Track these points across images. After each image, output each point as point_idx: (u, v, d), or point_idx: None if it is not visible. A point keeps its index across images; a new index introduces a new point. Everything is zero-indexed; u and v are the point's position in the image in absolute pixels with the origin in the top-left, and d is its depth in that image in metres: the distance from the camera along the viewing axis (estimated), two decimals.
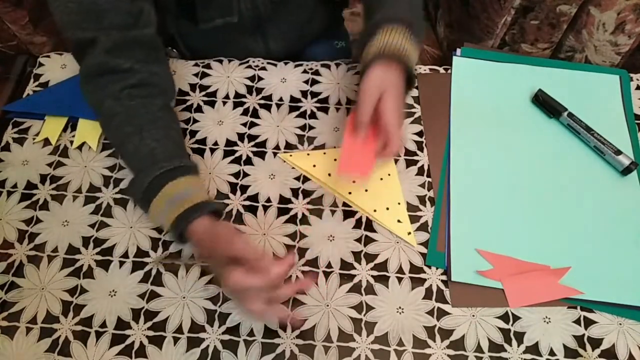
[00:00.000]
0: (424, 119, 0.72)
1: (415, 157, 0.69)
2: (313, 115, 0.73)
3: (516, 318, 0.58)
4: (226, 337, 0.57)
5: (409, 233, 0.63)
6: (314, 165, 0.68)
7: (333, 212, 0.65)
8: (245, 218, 0.65)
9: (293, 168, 0.68)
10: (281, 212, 0.65)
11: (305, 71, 0.77)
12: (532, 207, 0.65)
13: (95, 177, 0.68)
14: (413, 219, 0.64)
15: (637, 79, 0.76)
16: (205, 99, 0.75)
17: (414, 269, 0.61)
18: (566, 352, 0.56)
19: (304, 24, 0.82)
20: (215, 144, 0.71)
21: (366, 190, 0.66)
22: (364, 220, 0.65)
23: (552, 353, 0.56)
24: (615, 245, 0.62)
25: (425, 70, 0.77)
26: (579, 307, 0.59)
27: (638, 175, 0.67)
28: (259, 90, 0.75)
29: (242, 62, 0.77)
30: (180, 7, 0.71)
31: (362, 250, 0.62)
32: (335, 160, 0.68)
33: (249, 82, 0.76)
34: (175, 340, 0.57)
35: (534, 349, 0.56)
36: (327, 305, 0.59)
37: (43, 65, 0.78)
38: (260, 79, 0.76)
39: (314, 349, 0.57)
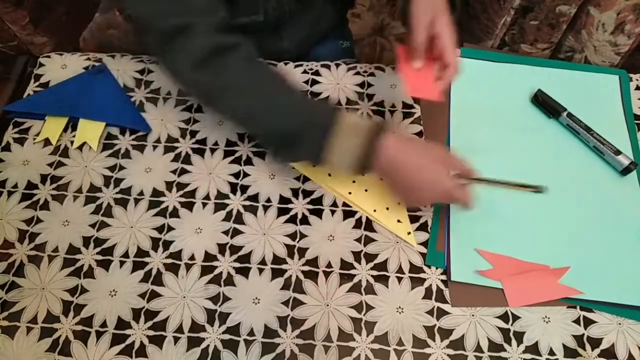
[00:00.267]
0: (424, 119, 0.73)
1: None
2: None
3: (516, 318, 0.58)
4: (226, 336, 0.57)
5: (409, 233, 0.63)
6: (314, 165, 0.68)
7: (333, 212, 0.65)
8: (245, 218, 0.65)
9: (293, 168, 0.68)
10: (281, 212, 0.65)
11: (305, 71, 0.77)
12: (532, 207, 0.65)
13: (95, 177, 0.68)
14: (413, 219, 0.64)
15: (637, 79, 0.76)
16: None
17: (414, 268, 0.61)
18: (566, 351, 0.56)
19: (315, 23, 0.83)
20: (216, 144, 0.71)
21: (366, 190, 0.66)
22: (363, 220, 0.65)
23: (551, 353, 0.56)
24: (614, 245, 0.62)
25: None
26: (578, 307, 0.59)
27: (637, 175, 0.67)
28: None
29: None
30: None
31: (362, 250, 0.63)
32: None
33: None
34: (176, 340, 0.57)
35: (533, 349, 0.57)
36: (327, 305, 0.59)
37: (43, 66, 0.78)
38: None
39: (314, 348, 0.57)
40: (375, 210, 0.65)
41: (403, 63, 0.62)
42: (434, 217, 0.65)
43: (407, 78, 0.61)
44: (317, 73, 0.77)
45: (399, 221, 0.64)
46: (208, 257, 0.62)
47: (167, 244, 0.63)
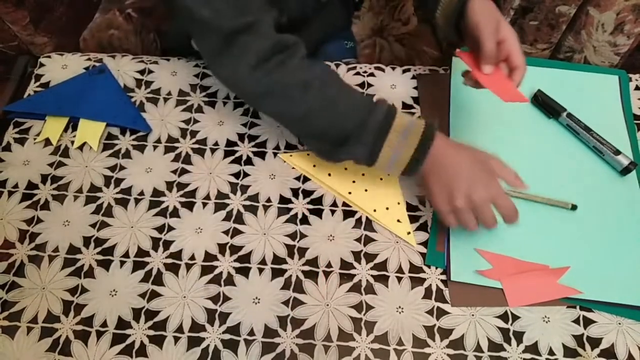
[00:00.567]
0: (424, 119, 0.72)
1: None
2: None
3: (515, 317, 0.58)
4: (226, 336, 0.57)
5: (409, 233, 0.63)
6: (314, 165, 0.68)
7: (333, 212, 0.65)
8: (246, 218, 0.65)
9: (293, 168, 0.68)
10: (281, 212, 0.65)
11: None
12: (532, 208, 0.65)
13: (96, 177, 0.68)
14: (412, 219, 0.65)
15: (636, 79, 0.76)
16: (206, 99, 0.75)
17: (414, 268, 0.61)
18: (565, 351, 0.56)
19: (328, 25, 0.84)
20: (216, 144, 0.71)
21: (366, 190, 0.66)
22: (363, 220, 0.65)
23: (551, 352, 0.56)
24: (614, 245, 0.63)
25: (425, 70, 0.78)
26: (578, 307, 0.59)
27: (637, 175, 0.67)
28: None
29: None
30: None
31: (362, 250, 0.63)
32: None
33: None
34: (176, 339, 0.57)
35: (533, 349, 0.57)
36: (327, 305, 0.59)
37: (44, 66, 0.78)
38: None
39: (314, 348, 0.57)
40: (375, 210, 0.65)
41: (476, 71, 0.61)
42: (433, 217, 0.65)
43: (492, 86, 0.61)
44: None
45: (398, 221, 0.64)
46: (208, 257, 0.62)
47: (167, 244, 0.63)
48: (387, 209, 0.65)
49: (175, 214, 0.65)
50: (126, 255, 0.62)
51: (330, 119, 0.59)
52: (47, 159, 0.69)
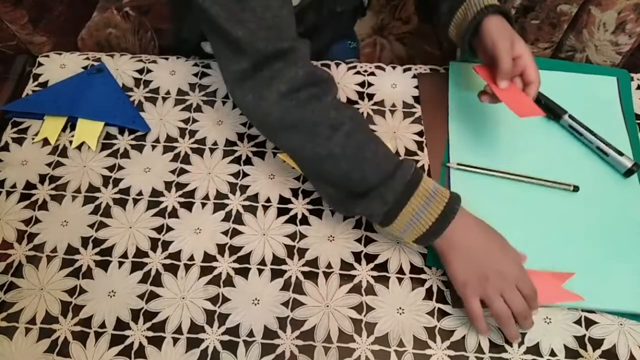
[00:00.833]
0: (424, 119, 0.72)
1: (416, 157, 0.69)
2: None
3: None
4: (226, 337, 0.57)
5: None
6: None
7: (333, 212, 0.65)
8: (245, 218, 0.64)
9: (293, 168, 0.68)
10: (281, 212, 0.65)
11: None
12: (534, 210, 0.65)
13: (94, 177, 0.68)
14: None
15: (638, 79, 0.76)
16: (205, 98, 0.74)
17: (414, 269, 0.61)
18: (567, 352, 0.56)
19: (339, 29, 0.84)
20: (215, 144, 0.70)
21: None
22: (364, 220, 0.64)
23: (552, 354, 0.56)
24: (618, 248, 0.62)
25: (425, 70, 0.77)
26: (579, 308, 0.59)
27: (638, 176, 0.67)
28: None
29: None
30: None
31: (362, 251, 0.62)
32: None
33: None
34: (175, 340, 0.57)
35: (534, 350, 0.56)
36: (327, 306, 0.59)
37: (42, 65, 0.77)
38: None
39: (314, 349, 0.56)
40: None
41: (492, 85, 0.62)
42: None
43: (508, 101, 0.61)
44: None
45: None
46: (207, 257, 0.62)
47: (166, 245, 0.63)
48: None
49: (174, 214, 0.65)
50: (125, 255, 0.62)
51: (354, 166, 0.55)
52: (45, 159, 0.69)
